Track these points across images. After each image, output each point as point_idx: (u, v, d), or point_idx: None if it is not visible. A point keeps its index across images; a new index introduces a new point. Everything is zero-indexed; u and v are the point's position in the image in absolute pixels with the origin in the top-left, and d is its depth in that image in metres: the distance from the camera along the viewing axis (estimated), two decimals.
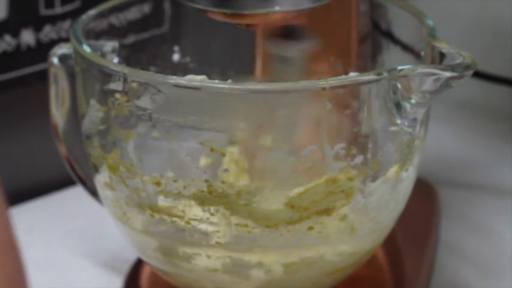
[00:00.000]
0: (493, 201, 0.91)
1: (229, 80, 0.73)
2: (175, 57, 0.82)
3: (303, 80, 0.70)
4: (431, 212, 0.87)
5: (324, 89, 0.66)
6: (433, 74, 0.67)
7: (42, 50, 0.84)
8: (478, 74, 0.90)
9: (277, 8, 0.73)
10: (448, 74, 0.67)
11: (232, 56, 0.84)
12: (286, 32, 0.84)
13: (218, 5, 0.73)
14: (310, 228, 0.69)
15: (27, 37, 0.85)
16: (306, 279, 0.73)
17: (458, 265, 0.82)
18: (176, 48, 0.82)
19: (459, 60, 0.68)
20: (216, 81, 0.68)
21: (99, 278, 0.83)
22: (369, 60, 0.80)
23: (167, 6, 0.83)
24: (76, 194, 0.86)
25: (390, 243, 0.79)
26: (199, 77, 0.69)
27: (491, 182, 0.95)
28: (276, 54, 0.85)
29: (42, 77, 0.81)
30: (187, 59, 0.82)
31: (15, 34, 0.84)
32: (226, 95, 0.67)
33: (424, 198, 0.88)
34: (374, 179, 0.70)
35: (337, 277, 0.75)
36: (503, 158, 0.97)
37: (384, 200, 0.71)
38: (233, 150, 0.69)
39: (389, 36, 0.78)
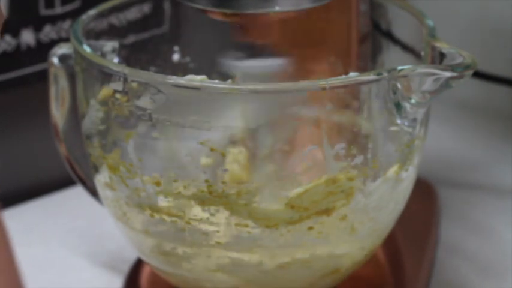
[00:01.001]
0: (493, 201, 0.90)
1: (229, 80, 0.73)
2: (175, 57, 0.82)
3: (303, 79, 0.70)
4: (431, 212, 0.87)
5: (324, 89, 0.66)
6: (433, 74, 0.67)
7: (42, 50, 0.84)
8: (478, 74, 0.89)
9: (277, 8, 0.73)
10: (448, 74, 0.67)
11: (231, 55, 0.84)
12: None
13: (218, 5, 0.73)
14: (310, 228, 0.69)
15: (27, 37, 0.85)
16: (306, 279, 0.73)
17: (459, 265, 0.82)
18: (176, 48, 0.82)
19: (459, 60, 0.68)
20: (216, 81, 0.69)
21: (99, 278, 0.82)
22: (369, 60, 0.80)
23: (167, 6, 0.82)
24: (76, 194, 0.86)
25: (390, 243, 0.78)
26: (199, 77, 0.69)
27: (491, 182, 0.95)
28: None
29: (42, 77, 0.80)
30: (187, 59, 0.82)
31: (15, 34, 0.84)
32: (226, 95, 0.67)
33: (424, 198, 0.88)
34: (374, 179, 0.70)
35: (337, 277, 0.75)
36: (504, 158, 0.97)
37: (384, 200, 0.71)
38: (233, 151, 0.69)
39: (390, 36, 0.77)
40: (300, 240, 0.70)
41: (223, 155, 0.68)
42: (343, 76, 0.68)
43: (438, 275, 0.81)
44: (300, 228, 0.69)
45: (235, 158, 0.70)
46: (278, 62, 0.81)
